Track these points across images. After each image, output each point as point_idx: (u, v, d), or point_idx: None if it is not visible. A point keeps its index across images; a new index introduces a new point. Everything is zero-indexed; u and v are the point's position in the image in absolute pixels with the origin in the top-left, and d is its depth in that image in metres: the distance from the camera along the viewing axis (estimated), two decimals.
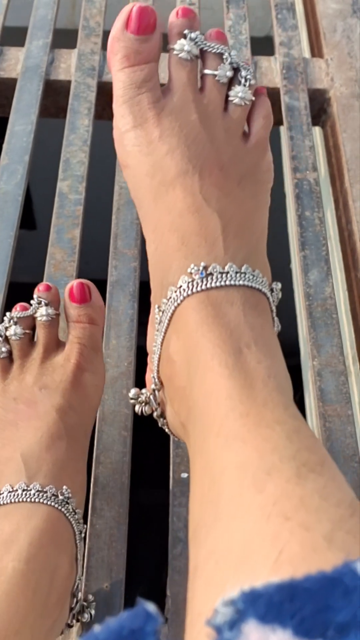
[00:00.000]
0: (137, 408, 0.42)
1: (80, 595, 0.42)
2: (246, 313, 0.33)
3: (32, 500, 0.39)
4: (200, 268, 0.33)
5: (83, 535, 0.42)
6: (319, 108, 0.75)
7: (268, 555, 0.22)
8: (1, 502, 0.39)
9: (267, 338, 0.33)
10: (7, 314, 0.46)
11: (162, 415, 0.41)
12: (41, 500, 0.39)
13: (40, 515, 0.38)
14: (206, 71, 0.37)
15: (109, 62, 0.36)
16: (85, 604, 0.43)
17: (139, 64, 0.35)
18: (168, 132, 0.35)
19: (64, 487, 0.40)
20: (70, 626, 0.42)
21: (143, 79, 0.35)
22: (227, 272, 0.33)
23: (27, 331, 0.45)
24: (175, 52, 0.36)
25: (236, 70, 0.37)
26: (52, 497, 0.39)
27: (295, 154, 0.67)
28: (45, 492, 0.39)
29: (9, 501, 0.39)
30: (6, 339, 0.45)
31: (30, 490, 0.39)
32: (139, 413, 0.42)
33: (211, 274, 0.33)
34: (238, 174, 0.36)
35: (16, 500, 0.39)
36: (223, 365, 0.30)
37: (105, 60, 0.74)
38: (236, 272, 0.33)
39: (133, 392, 0.42)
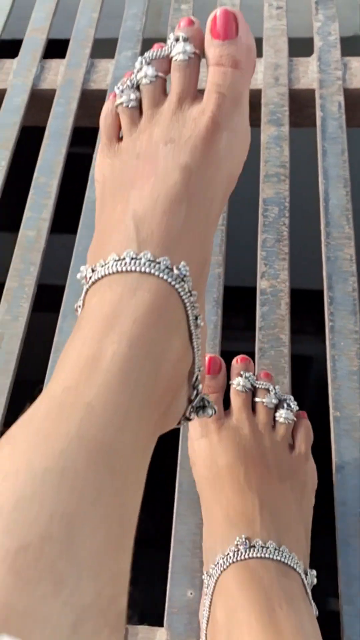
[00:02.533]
0: None
1: (201, 387, 0.36)
2: (279, 579, 0.39)
3: (142, 270, 0.32)
4: (244, 540, 0.41)
5: (201, 324, 0.35)
6: None
7: None
8: (106, 272, 0.33)
9: (297, 601, 0.39)
10: (139, 57, 0.39)
11: None
12: (152, 271, 0.32)
13: (148, 288, 0.32)
14: (257, 399, 0.48)
15: None
16: (206, 397, 0.37)
17: (208, 394, 0.41)
18: (225, 439, 0.45)
19: (182, 262, 0.33)
20: (188, 419, 0.36)
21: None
22: (268, 547, 0.40)
23: (161, 75, 0.38)
24: (234, 386, 0.48)
25: (280, 399, 0.48)
26: (166, 270, 0.33)
27: None
28: (158, 262, 0.33)
29: (114, 271, 0.32)
30: (137, 87, 0.38)
31: (140, 259, 0.32)
32: None
33: (254, 546, 0.41)
34: (280, 474, 0.44)
35: (123, 269, 0.32)
36: (258, 620, 0.37)
37: None
38: (275, 549, 0.40)
39: None
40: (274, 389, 0.48)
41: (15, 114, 0.73)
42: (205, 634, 0.42)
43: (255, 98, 0.72)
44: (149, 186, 0.35)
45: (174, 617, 0.45)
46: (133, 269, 0.32)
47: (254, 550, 0.40)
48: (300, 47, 0.80)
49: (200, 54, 0.38)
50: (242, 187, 0.79)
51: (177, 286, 0.33)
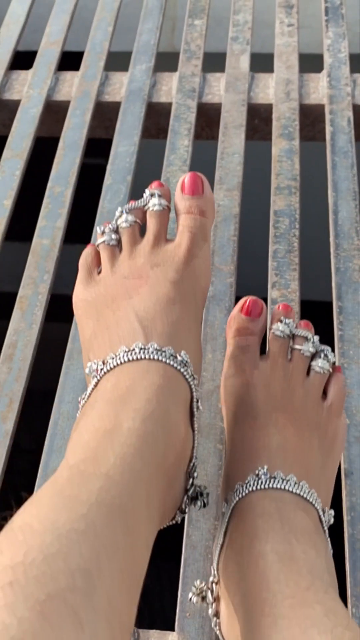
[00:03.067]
0: (194, 599, 0.42)
1: (196, 474, 0.41)
2: (297, 513, 0.38)
3: (151, 357, 0.38)
4: (265, 470, 0.40)
5: (199, 406, 0.41)
6: None
7: None
8: (118, 362, 0.38)
9: (314, 535, 0.38)
10: (119, 207, 0.47)
11: (217, 614, 0.41)
12: (159, 358, 0.38)
13: (157, 371, 0.38)
14: (295, 346, 0.46)
15: (227, 331, 0.48)
16: (200, 489, 0.41)
17: (245, 335, 0.46)
18: (257, 381, 0.44)
19: (182, 351, 0.40)
20: (183, 512, 0.40)
21: (246, 345, 0.46)
22: (288, 480, 0.39)
23: (138, 221, 0.46)
24: (273, 330, 0.47)
25: (318, 349, 0.46)
26: (171, 357, 0.39)
27: None
28: (164, 351, 0.39)
29: (125, 360, 0.38)
30: (116, 230, 0.46)
31: (148, 348, 0.38)
32: (194, 602, 0.42)
33: (274, 477, 0.40)
34: (309, 422, 0.43)
35: (133, 358, 0.38)
36: (274, 552, 0.36)
37: (205, 81, 0.76)
38: (295, 482, 0.39)
39: (198, 583, 0.42)
40: (313, 338, 0.47)
41: (30, 125, 0.75)
42: (217, 562, 0.41)
43: (266, 112, 0.74)
44: (146, 292, 0.42)
45: (186, 621, 0.45)
46: (142, 356, 0.38)
47: (274, 481, 0.39)
48: (311, 62, 0.81)
49: (170, 207, 0.47)
50: (254, 199, 0.81)
51: (182, 370, 0.39)
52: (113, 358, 0.39)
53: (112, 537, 0.30)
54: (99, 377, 0.39)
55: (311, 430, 0.43)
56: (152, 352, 0.38)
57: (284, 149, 0.69)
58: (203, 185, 0.46)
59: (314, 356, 0.46)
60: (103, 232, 0.47)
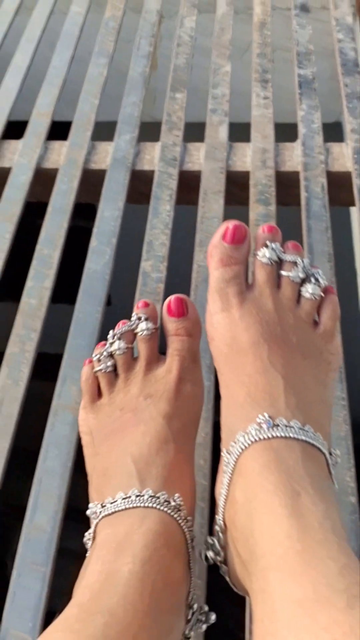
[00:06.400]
0: (208, 554, 0.42)
1: (195, 606, 0.41)
2: (304, 461, 0.37)
3: (145, 505, 0.41)
4: (267, 418, 0.39)
5: (194, 544, 0.42)
6: None
7: None
8: (116, 509, 0.41)
9: (322, 485, 0.37)
10: (111, 331, 0.49)
11: (225, 561, 0.41)
12: (154, 506, 0.41)
13: (153, 519, 0.40)
14: (282, 272, 0.45)
15: (208, 261, 0.46)
16: (200, 617, 0.42)
17: (230, 265, 0.44)
18: (247, 315, 0.43)
19: (176, 494, 0.42)
20: (187, 638, 0.41)
21: (231, 276, 0.44)
22: (292, 427, 0.38)
23: (130, 346, 0.49)
24: (259, 257, 0.45)
25: (308, 274, 0.45)
26: (165, 503, 0.41)
27: None
28: (158, 497, 0.41)
29: (123, 507, 0.41)
30: (110, 355, 0.49)
31: (144, 495, 0.41)
32: (209, 559, 0.42)
33: (277, 425, 0.38)
34: (304, 352, 0.43)
35: (130, 506, 0.41)
36: (283, 506, 0.35)
37: (185, 150, 0.81)
38: (299, 428, 0.38)
39: (209, 540, 0.42)
40: (302, 262, 0.44)
41: (20, 191, 0.78)
42: (223, 512, 0.40)
43: (243, 179, 0.78)
44: (140, 432, 0.44)
45: None
46: (138, 504, 0.41)
47: (277, 429, 0.38)
48: (286, 130, 0.86)
49: (157, 327, 0.49)
50: None
51: (175, 515, 0.41)
52: (112, 503, 0.42)
53: None
54: (98, 520, 0.42)
55: (307, 360, 0.42)
56: (147, 500, 0.41)
57: (261, 213, 0.72)
58: (187, 307, 0.48)
59: (303, 281, 0.45)
60: (99, 360, 0.49)
